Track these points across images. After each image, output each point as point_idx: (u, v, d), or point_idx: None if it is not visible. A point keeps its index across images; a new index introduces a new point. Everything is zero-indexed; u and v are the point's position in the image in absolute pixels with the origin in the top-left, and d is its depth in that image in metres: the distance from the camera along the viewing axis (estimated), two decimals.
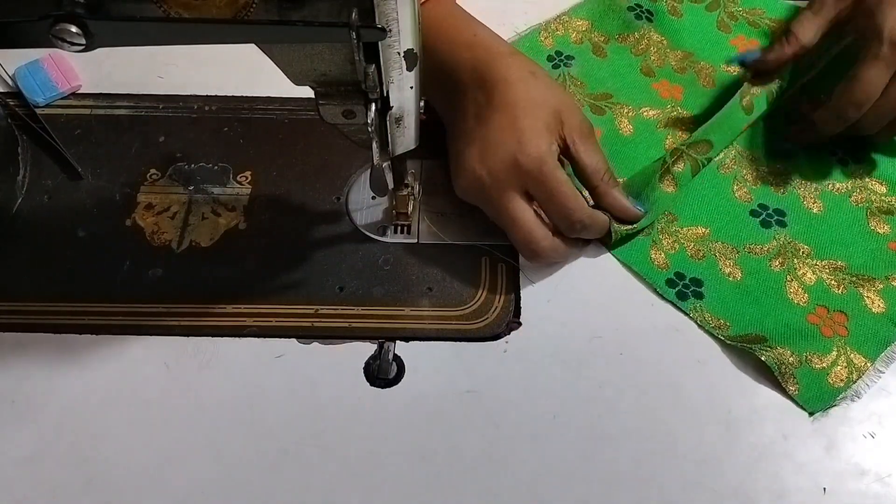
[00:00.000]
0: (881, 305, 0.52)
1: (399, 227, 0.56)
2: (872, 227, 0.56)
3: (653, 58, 0.65)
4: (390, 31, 0.39)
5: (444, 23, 0.54)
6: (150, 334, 0.51)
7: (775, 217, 0.56)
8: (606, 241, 0.54)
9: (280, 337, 0.51)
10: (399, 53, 0.41)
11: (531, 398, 0.49)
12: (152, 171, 0.58)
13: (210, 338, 0.51)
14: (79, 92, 0.62)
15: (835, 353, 0.50)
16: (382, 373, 0.49)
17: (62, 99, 0.62)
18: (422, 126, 0.49)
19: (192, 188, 0.57)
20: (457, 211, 0.55)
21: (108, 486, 0.45)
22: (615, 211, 0.53)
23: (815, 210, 0.57)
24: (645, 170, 0.57)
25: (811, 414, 0.48)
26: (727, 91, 0.62)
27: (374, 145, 0.45)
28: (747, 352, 0.49)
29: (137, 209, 0.56)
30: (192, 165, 0.58)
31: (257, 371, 0.49)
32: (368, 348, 0.50)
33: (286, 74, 0.42)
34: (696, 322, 0.52)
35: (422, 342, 0.51)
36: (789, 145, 0.60)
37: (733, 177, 0.58)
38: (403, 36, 0.40)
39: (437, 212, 0.56)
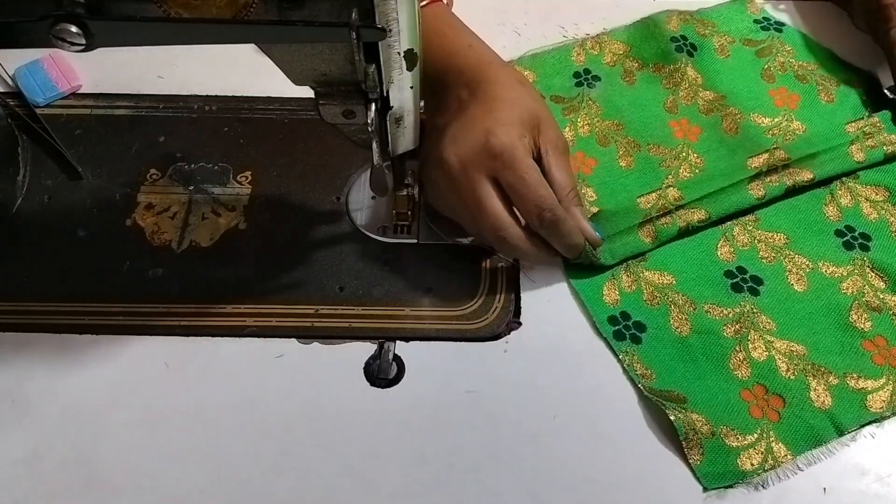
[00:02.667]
0: (827, 402, 0.47)
1: (399, 227, 0.56)
2: (852, 321, 0.51)
3: (682, 94, 0.63)
4: (390, 31, 0.39)
5: (440, 30, 0.55)
6: (150, 334, 0.51)
7: (749, 284, 0.53)
8: (566, 260, 0.53)
9: (280, 337, 0.51)
10: (399, 53, 0.41)
11: (531, 398, 0.49)
12: (152, 171, 0.58)
13: (210, 338, 0.51)
14: (79, 92, 0.62)
15: (756, 435, 0.46)
16: (382, 373, 0.49)
17: (62, 99, 0.62)
18: (421, 126, 0.49)
19: (192, 188, 0.57)
20: None
21: (108, 486, 0.45)
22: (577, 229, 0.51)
23: (796, 287, 0.53)
24: (626, 210, 0.55)
25: (705, 489, 0.45)
26: (744, 146, 0.59)
27: (374, 145, 0.45)
28: (659, 408, 0.47)
29: (137, 209, 0.56)
30: (192, 165, 0.58)
31: (257, 371, 0.49)
32: (368, 348, 0.50)
33: (286, 74, 0.42)
34: (622, 366, 0.49)
35: (422, 342, 0.51)
36: (799, 215, 0.56)
37: (723, 233, 0.55)
38: (403, 36, 0.40)
39: (437, 212, 0.56)
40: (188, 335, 0.51)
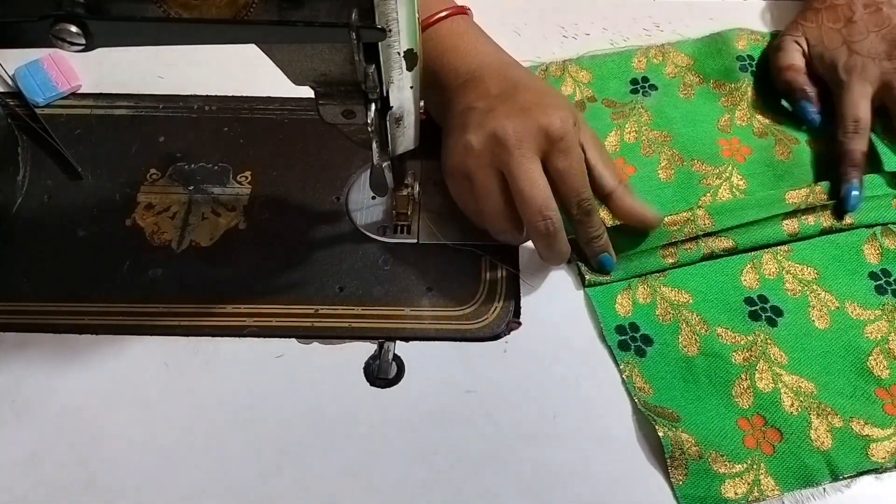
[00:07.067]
0: (827, 443, 0.46)
1: (399, 227, 0.56)
2: (870, 366, 0.49)
3: (738, 114, 0.61)
4: (390, 31, 0.39)
5: (471, 31, 0.56)
6: (150, 334, 0.51)
7: (768, 314, 0.51)
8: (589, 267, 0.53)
9: (280, 337, 0.51)
10: (399, 53, 0.41)
11: (531, 398, 0.49)
12: (152, 171, 0.58)
13: (210, 338, 0.51)
14: (79, 92, 0.62)
15: (745, 465, 0.45)
16: (382, 373, 0.49)
17: (62, 99, 0.62)
18: (422, 126, 0.49)
19: (192, 188, 0.57)
20: (456, 211, 0.55)
21: (108, 486, 0.45)
22: (633, 215, 0.52)
23: (817, 324, 0.51)
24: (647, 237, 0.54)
25: None
26: (793, 172, 0.58)
27: (374, 145, 0.45)
28: (650, 423, 0.47)
29: (137, 209, 0.56)
30: (192, 165, 0.58)
31: (257, 371, 0.49)
32: (368, 348, 0.50)
33: (286, 74, 0.42)
34: (621, 376, 0.49)
35: (422, 342, 0.51)
36: (835, 251, 0.54)
37: (751, 259, 0.54)
38: (403, 36, 0.40)
39: (436, 212, 0.56)
40: (188, 335, 0.51)
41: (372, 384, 0.49)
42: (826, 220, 0.55)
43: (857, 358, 0.50)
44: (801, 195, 0.56)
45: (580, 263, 0.53)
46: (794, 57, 0.61)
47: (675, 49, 0.66)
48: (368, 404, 0.48)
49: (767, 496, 0.45)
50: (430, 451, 0.47)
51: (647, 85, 0.64)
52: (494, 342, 0.51)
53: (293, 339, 0.51)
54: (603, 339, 0.51)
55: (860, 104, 0.57)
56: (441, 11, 0.55)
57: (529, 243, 0.54)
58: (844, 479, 0.46)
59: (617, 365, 0.50)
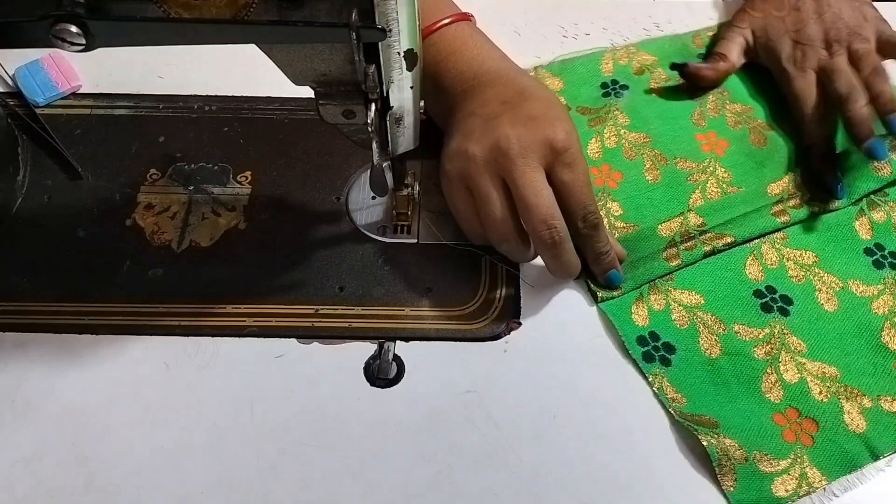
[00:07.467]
0: (861, 425, 0.46)
1: (399, 227, 0.56)
2: (885, 342, 0.50)
3: (710, 106, 0.62)
4: (390, 31, 0.39)
5: (476, 36, 0.56)
6: (150, 334, 0.51)
7: (779, 303, 0.52)
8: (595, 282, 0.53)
9: (280, 337, 0.51)
10: (399, 53, 0.41)
11: (531, 398, 0.49)
12: (152, 171, 0.58)
13: (210, 338, 0.51)
14: (79, 92, 0.62)
15: (790, 460, 0.45)
16: (382, 373, 0.49)
17: (62, 99, 0.62)
18: (422, 126, 0.49)
19: (192, 188, 0.57)
20: None
21: (108, 486, 0.45)
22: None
23: (826, 307, 0.51)
24: (647, 237, 0.55)
25: None
26: (772, 158, 0.59)
27: (374, 145, 0.45)
28: (691, 433, 0.46)
29: (137, 209, 0.56)
30: (192, 165, 0.58)
31: (257, 371, 0.49)
32: (368, 348, 0.50)
33: (286, 74, 0.42)
34: (651, 389, 0.49)
35: (422, 342, 0.51)
36: (829, 233, 0.55)
37: (751, 251, 0.54)
38: (403, 36, 0.40)
39: (436, 212, 0.56)
40: (188, 335, 0.51)
41: (372, 384, 0.49)
42: (815, 205, 0.56)
43: (871, 335, 0.50)
44: (781, 186, 0.57)
45: (588, 281, 0.53)
46: (731, 49, 0.63)
47: (638, 49, 0.67)
48: (368, 404, 0.48)
49: (816, 488, 0.45)
50: (430, 451, 0.47)
51: (617, 86, 0.64)
52: (494, 342, 0.51)
53: (293, 339, 0.51)
54: (605, 339, 0.51)
55: (811, 93, 0.59)
56: (444, 18, 0.55)
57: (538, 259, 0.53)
58: (884, 458, 0.46)
59: (645, 377, 0.49)
